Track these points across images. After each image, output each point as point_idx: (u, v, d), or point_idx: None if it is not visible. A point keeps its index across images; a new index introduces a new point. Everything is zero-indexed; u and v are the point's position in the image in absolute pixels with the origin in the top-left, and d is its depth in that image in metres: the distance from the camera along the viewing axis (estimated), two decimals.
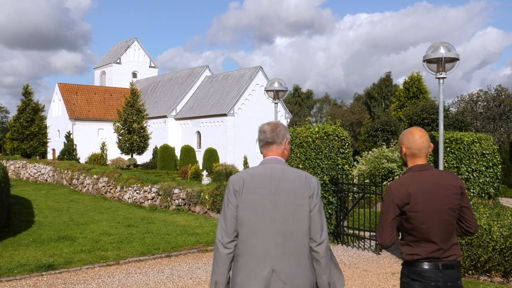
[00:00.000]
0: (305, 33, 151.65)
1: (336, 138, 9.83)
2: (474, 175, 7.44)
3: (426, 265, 2.99)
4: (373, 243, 9.86)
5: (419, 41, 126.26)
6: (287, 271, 2.81)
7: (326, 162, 9.74)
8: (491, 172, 7.50)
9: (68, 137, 42.04)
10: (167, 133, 49.57)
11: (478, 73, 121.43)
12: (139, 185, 15.99)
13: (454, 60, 7.04)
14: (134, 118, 40.93)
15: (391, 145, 18.81)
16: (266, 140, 3.00)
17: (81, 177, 19.78)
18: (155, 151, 42.71)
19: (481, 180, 7.45)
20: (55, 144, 50.15)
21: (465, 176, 7.43)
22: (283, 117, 46.94)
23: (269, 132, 2.99)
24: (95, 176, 18.68)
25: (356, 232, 9.99)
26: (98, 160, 34.82)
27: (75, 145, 39.75)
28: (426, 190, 3.01)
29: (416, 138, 3.11)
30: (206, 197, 13.19)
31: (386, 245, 3.06)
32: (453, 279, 2.98)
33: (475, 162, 7.44)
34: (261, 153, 3.08)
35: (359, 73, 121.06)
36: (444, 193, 3.02)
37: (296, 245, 2.84)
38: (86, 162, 33.27)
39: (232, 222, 2.88)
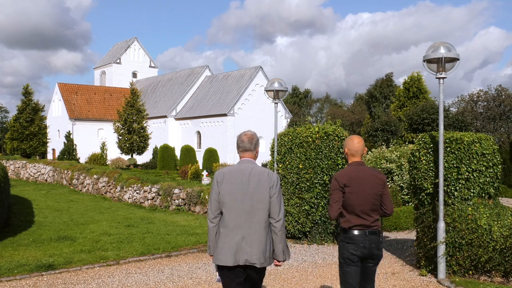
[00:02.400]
0: (306, 33, 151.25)
1: (336, 138, 9.83)
2: (474, 175, 7.43)
3: (356, 232, 4.22)
4: None
5: (421, 40, 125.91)
6: (252, 238, 3.92)
7: (326, 162, 9.74)
8: (491, 172, 7.49)
9: (68, 137, 42.03)
10: (167, 133, 49.58)
11: (479, 73, 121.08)
12: (139, 185, 15.99)
13: (454, 60, 7.03)
14: (134, 118, 40.92)
15: (391, 145, 18.80)
16: (244, 147, 4.11)
17: (81, 177, 19.78)
18: (155, 151, 42.69)
19: (481, 180, 7.43)
20: (55, 144, 50.15)
21: (465, 176, 7.42)
22: (283, 117, 46.94)
23: (247, 142, 4.11)
24: (95, 176, 18.67)
25: None
26: (98, 160, 34.81)
27: (75, 145, 39.74)
28: (360, 179, 4.25)
29: (354, 143, 4.36)
30: (206, 197, 13.18)
31: (334, 217, 4.28)
32: (375, 242, 4.24)
33: (475, 162, 7.43)
34: (238, 154, 4.17)
35: (360, 73, 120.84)
36: (371, 182, 4.25)
37: (258, 220, 3.94)
38: (86, 162, 33.26)
39: (215, 203, 4.03)
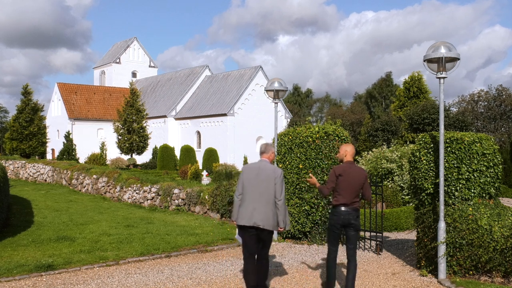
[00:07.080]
0: (309, 31, 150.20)
1: (336, 138, 9.80)
2: (475, 175, 7.40)
3: (340, 207, 6.09)
4: (373, 243, 9.83)
5: (425, 39, 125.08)
6: (261, 210, 6.01)
7: (326, 162, 9.72)
8: (492, 172, 7.47)
9: (68, 137, 41.98)
10: (166, 133, 49.55)
11: (482, 72, 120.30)
12: (138, 185, 15.96)
13: (454, 59, 7.01)
14: (134, 118, 40.89)
15: (392, 145, 18.77)
16: (262, 151, 6.35)
17: (80, 177, 19.75)
18: (155, 151, 42.68)
19: (481, 180, 7.41)
20: (54, 144, 50.10)
21: (466, 176, 7.39)
22: (283, 117, 46.91)
23: (263, 148, 6.35)
24: (94, 176, 18.64)
25: None
26: (97, 160, 34.76)
27: (75, 145, 39.66)
28: (350, 172, 6.12)
29: (349, 148, 6.28)
30: (206, 197, 13.16)
31: (326, 195, 6.32)
32: (352, 215, 6.09)
33: (475, 162, 7.41)
34: (259, 155, 6.37)
35: (362, 72, 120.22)
36: (357, 176, 6.12)
37: (266, 199, 6.04)
38: (85, 162, 33.19)
39: (240, 186, 6.21)
